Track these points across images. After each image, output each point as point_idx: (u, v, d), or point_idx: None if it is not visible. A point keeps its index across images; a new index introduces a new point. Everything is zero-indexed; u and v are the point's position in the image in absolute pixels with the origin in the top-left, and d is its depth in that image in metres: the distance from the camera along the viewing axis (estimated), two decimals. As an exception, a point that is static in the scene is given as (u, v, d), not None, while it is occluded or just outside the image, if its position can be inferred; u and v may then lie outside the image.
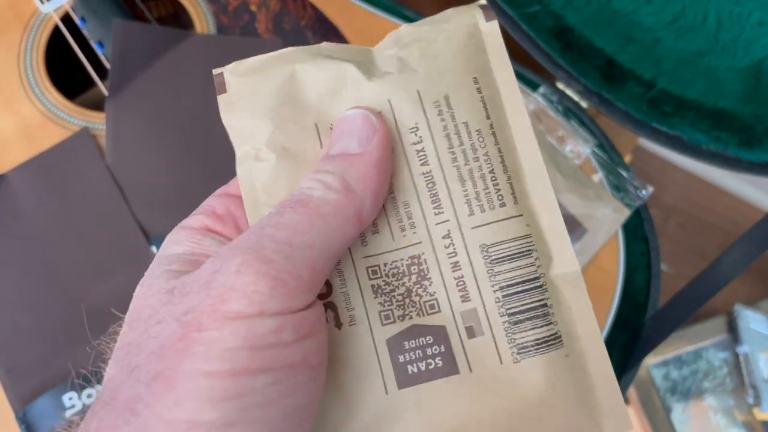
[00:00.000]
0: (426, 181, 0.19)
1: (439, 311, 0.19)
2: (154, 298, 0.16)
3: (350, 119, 0.18)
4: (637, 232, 0.47)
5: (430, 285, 0.19)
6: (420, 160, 0.19)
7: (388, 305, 0.18)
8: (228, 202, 0.19)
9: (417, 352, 0.18)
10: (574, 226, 0.44)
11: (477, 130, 0.19)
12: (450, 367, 0.18)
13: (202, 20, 0.52)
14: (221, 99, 0.20)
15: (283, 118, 0.19)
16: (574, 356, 0.19)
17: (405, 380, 0.18)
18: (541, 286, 0.19)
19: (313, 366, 0.15)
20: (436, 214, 0.19)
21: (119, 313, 0.17)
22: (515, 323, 0.18)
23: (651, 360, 0.66)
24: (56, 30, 0.51)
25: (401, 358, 0.18)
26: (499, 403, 0.18)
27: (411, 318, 0.18)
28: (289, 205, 0.16)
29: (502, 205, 0.19)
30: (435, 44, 0.20)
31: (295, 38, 0.51)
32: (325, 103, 0.19)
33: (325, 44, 0.20)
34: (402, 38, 0.20)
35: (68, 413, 0.40)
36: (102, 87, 0.50)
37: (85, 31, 0.51)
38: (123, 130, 0.47)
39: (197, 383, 0.14)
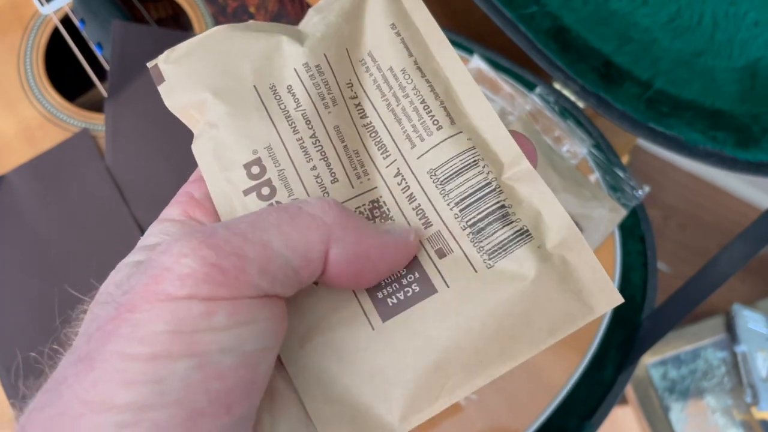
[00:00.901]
0: (369, 131, 0.20)
1: None
2: (111, 284, 0.16)
3: (403, 238, 0.18)
4: (634, 232, 0.47)
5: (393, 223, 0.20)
6: (359, 114, 0.20)
7: None
8: (204, 185, 0.19)
9: (393, 285, 0.19)
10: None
11: (402, 70, 0.20)
12: (428, 289, 0.19)
13: (201, 22, 0.52)
14: (161, 89, 0.20)
15: (223, 87, 0.19)
16: (549, 245, 0.19)
17: (388, 312, 0.19)
18: (494, 190, 0.19)
19: (247, 352, 0.14)
20: (384, 158, 0.20)
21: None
22: (478, 231, 0.19)
23: (649, 359, 0.67)
24: (56, 32, 0.52)
25: (380, 295, 0.19)
26: (484, 309, 0.19)
27: None
28: (271, 206, 0.17)
29: (439, 128, 0.20)
30: (352, 3, 0.21)
31: (294, 39, 0.52)
32: (263, 66, 0.20)
33: (252, 21, 0.21)
34: (322, 7, 0.21)
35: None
36: (101, 88, 0.50)
37: (84, 33, 0.51)
38: (122, 132, 0.47)
39: (115, 365, 0.13)
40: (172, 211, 0.18)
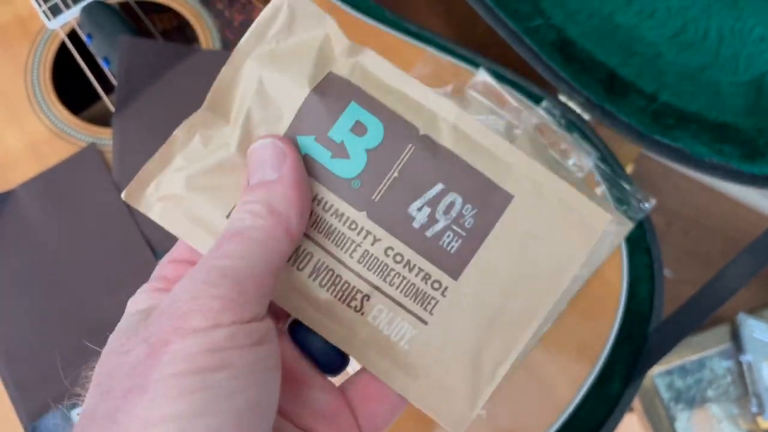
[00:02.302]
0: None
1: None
2: (123, 337, 0.18)
3: (260, 149, 0.20)
4: (640, 244, 0.47)
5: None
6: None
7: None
8: (176, 266, 0.21)
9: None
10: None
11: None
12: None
13: (207, 35, 0.52)
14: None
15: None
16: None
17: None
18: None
19: (266, 368, 0.18)
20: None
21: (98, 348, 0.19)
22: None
23: (655, 369, 0.67)
24: (63, 46, 0.52)
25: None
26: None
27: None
28: (225, 238, 0.19)
29: None
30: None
31: (300, 53, 0.52)
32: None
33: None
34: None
35: (77, 428, 0.40)
36: (108, 102, 0.50)
37: (91, 48, 0.51)
38: (129, 146, 0.47)
39: (166, 384, 0.16)
40: (150, 287, 0.21)
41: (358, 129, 0.21)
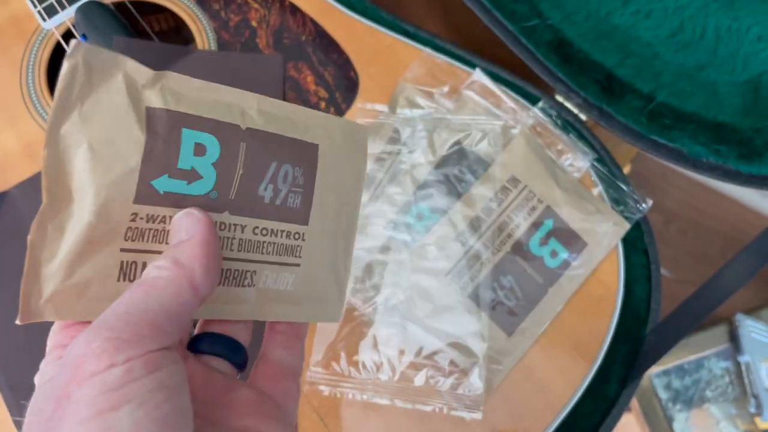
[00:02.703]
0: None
1: None
2: (36, 404, 0.19)
3: (177, 220, 0.22)
4: (637, 245, 0.47)
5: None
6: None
7: None
8: (70, 331, 0.22)
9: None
10: (574, 239, 0.44)
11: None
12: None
13: (203, 36, 0.52)
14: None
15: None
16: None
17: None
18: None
19: (169, 386, 0.19)
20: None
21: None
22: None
23: (653, 369, 0.67)
24: (58, 46, 0.52)
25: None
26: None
27: None
28: (128, 290, 0.20)
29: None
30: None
31: (296, 53, 0.52)
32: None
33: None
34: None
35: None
36: (104, 103, 0.50)
37: (86, 48, 0.51)
38: (125, 147, 0.47)
39: (75, 430, 0.17)
40: (50, 358, 0.22)
41: (199, 150, 0.22)
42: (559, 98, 0.50)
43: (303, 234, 0.26)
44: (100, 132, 0.21)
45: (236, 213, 0.24)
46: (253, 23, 0.53)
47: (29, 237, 0.21)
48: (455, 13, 0.64)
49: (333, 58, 0.51)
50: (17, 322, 0.21)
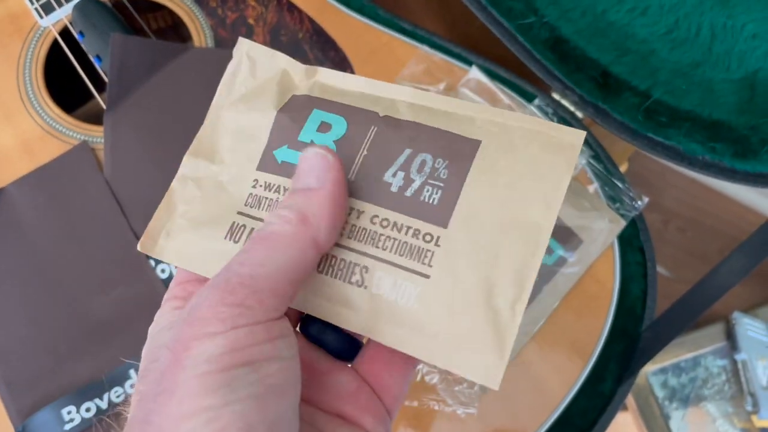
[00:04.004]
0: None
1: None
2: (151, 352, 0.20)
3: (310, 158, 0.21)
4: (633, 242, 0.47)
5: None
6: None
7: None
8: (185, 286, 0.23)
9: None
10: (569, 237, 0.44)
11: None
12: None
13: (200, 33, 0.52)
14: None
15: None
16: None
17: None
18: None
19: (284, 357, 0.18)
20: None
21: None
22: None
23: (649, 367, 0.67)
24: (55, 43, 0.52)
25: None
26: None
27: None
28: (252, 242, 0.20)
29: None
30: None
31: (293, 51, 0.52)
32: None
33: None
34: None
35: (67, 427, 0.40)
36: (100, 100, 0.50)
37: (83, 45, 0.51)
38: (121, 144, 0.47)
39: (193, 383, 0.17)
40: (166, 306, 0.22)
41: (324, 128, 0.23)
42: (556, 96, 0.50)
43: (438, 238, 0.20)
44: (247, 114, 0.24)
45: (353, 195, 0.22)
46: (250, 21, 0.53)
47: (172, 183, 0.24)
48: (452, 11, 0.64)
49: (330, 56, 0.52)
50: (138, 248, 0.24)
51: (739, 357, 0.66)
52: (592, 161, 0.47)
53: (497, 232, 0.20)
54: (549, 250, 0.44)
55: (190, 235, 0.23)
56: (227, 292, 0.18)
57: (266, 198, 0.23)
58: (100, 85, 0.51)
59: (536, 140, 0.21)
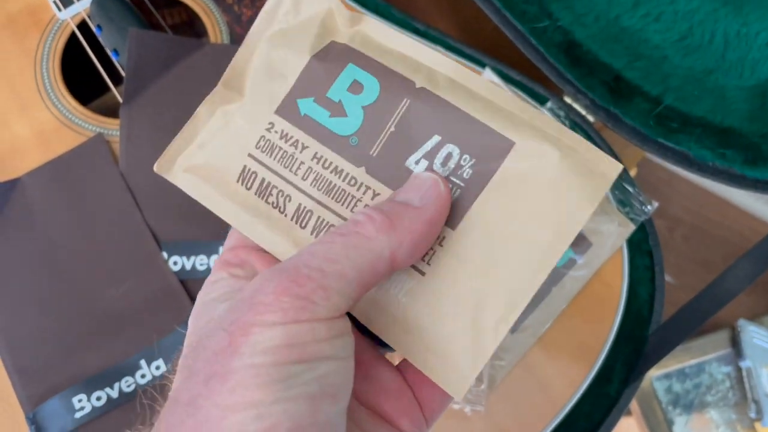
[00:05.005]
0: None
1: None
2: (204, 320, 0.19)
3: (424, 179, 0.20)
4: (642, 247, 0.47)
5: None
6: None
7: None
8: (236, 252, 0.22)
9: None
10: (579, 239, 0.45)
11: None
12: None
13: (216, 30, 0.53)
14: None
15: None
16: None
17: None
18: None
19: (342, 357, 0.18)
20: None
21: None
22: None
23: (654, 372, 0.67)
24: (73, 36, 0.52)
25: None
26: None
27: None
28: (331, 235, 0.19)
29: None
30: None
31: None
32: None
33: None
34: None
35: (77, 415, 0.41)
36: (116, 94, 0.51)
37: (101, 39, 0.52)
38: (137, 137, 0.48)
39: (246, 373, 0.16)
40: (218, 271, 0.22)
41: (355, 87, 0.21)
42: (567, 99, 0.50)
43: (443, 238, 0.20)
44: (281, 51, 0.23)
45: (372, 174, 0.21)
46: (266, 18, 0.53)
47: (198, 108, 0.23)
48: (464, 13, 0.65)
49: (344, 55, 0.52)
50: (155, 168, 0.23)
51: (743, 364, 0.66)
52: (602, 165, 0.47)
53: (503, 245, 0.19)
54: (558, 252, 0.44)
55: (204, 167, 0.23)
56: (294, 283, 0.17)
57: (280, 148, 0.22)
58: (116, 79, 0.52)
59: (570, 158, 0.19)
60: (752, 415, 0.66)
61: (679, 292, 0.93)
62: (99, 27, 0.51)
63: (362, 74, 0.21)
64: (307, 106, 0.22)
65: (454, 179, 0.20)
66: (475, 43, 0.53)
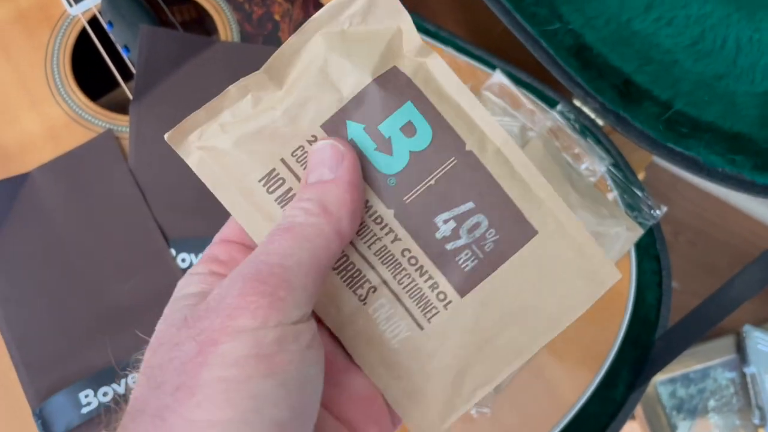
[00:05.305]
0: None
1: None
2: (173, 327, 0.19)
3: (320, 150, 0.20)
4: (650, 251, 0.47)
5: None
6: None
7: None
8: (228, 247, 0.22)
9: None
10: (587, 243, 0.45)
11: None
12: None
13: (227, 28, 0.53)
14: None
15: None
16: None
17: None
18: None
19: (311, 374, 0.18)
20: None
21: (145, 336, 0.20)
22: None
23: (658, 377, 0.67)
24: (83, 32, 0.52)
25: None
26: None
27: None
28: (277, 233, 0.19)
29: None
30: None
31: (317, 48, 0.52)
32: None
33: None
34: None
35: (84, 410, 0.41)
36: (127, 90, 0.51)
37: (111, 35, 0.52)
38: (146, 134, 0.48)
39: (215, 388, 0.16)
40: (201, 268, 0.21)
41: (408, 129, 0.21)
42: (576, 102, 0.50)
43: (450, 302, 0.21)
44: (341, 58, 0.21)
45: (400, 219, 0.21)
46: (276, 17, 0.53)
47: (230, 87, 0.21)
48: (474, 15, 0.65)
49: (354, 55, 0.52)
50: (165, 137, 0.22)
51: (748, 370, 0.66)
52: (612, 169, 0.47)
53: (500, 325, 0.21)
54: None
55: (222, 151, 0.21)
56: (258, 281, 0.17)
57: None
58: (126, 75, 0.52)
59: (579, 259, 0.21)
60: (756, 421, 0.66)
61: (683, 297, 0.93)
62: (110, 23, 0.51)
63: (418, 118, 0.21)
64: (356, 131, 0.21)
65: (476, 248, 0.21)
66: (484, 44, 0.53)
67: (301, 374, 0.17)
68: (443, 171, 0.21)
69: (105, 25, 0.52)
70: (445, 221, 0.21)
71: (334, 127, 0.21)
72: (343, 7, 0.22)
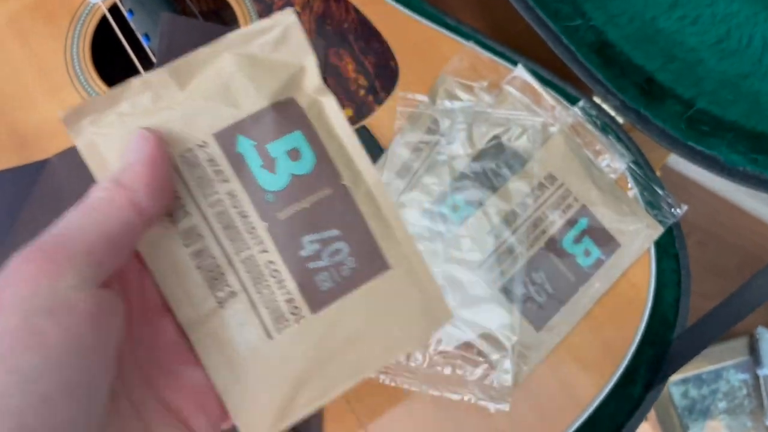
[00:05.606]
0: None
1: None
2: None
3: (129, 141, 0.21)
4: (669, 250, 0.47)
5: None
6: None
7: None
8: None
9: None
10: (607, 240, 0.44)
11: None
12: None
13: (247, 18, 0.52)
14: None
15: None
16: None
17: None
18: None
19: (93, 345, 0.17)
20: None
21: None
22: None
23: (671, 377, 0.67)
24: (103, 20, 0.52)
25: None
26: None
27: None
28: (67, 211, 0.19)
29: None
30: None
31: (338, 40, 0.52)
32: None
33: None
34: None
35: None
36: (146, 79, 0.51)
37: (132, 23, 0.52)
38: (166, 123, 0.48)
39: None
40: None
41: (293, 154, 0.23)
42: (597, 100, 0.50)
43: (303, 317, 0.22)
44: (246, 79, 0.22)
45: (271, 233, 0.22)
46: (297, 8, 0.53)
47: (133, 80, 0.22)
48: (496, 10, 0.65)
49: (374, 47, 0.52)
50: (59, 113, 0.22)
51: (761, 372, 0.66)
52: (632, 166, 0.47)
53: (345, 344, 0.22)
54: (587, 252, 0.44)
55: (114, 138, 0.22)
56: (35, 249, 0.17)
57: (203, 170, 0.22)
58: (146, 63, 0.51)
59: (421, 297, 0.23)
60: None
61: (693, 298, 0.93)
62: (131, 11, 0.51)
63: (305, 146, 0.23)
64: (245, 146, 0.22)
65: (334, 272, 0.22)
66: (505, 41, 0.53)
67: (74, 347, 0.16)
68: (318, 198, 0.22)
69: (126, 13, 0.52)
70: (311, 242, 0.22)
71: (226, 137, 0.22)
72: (258, 34, 0.23)
